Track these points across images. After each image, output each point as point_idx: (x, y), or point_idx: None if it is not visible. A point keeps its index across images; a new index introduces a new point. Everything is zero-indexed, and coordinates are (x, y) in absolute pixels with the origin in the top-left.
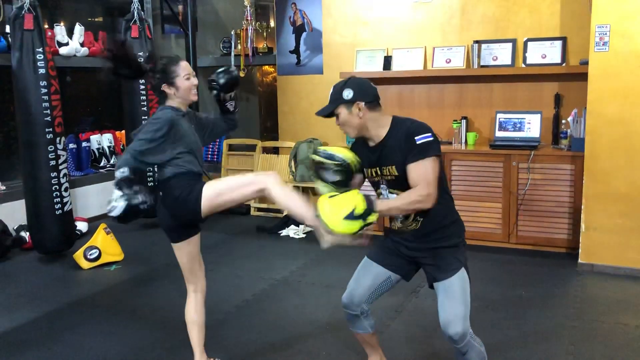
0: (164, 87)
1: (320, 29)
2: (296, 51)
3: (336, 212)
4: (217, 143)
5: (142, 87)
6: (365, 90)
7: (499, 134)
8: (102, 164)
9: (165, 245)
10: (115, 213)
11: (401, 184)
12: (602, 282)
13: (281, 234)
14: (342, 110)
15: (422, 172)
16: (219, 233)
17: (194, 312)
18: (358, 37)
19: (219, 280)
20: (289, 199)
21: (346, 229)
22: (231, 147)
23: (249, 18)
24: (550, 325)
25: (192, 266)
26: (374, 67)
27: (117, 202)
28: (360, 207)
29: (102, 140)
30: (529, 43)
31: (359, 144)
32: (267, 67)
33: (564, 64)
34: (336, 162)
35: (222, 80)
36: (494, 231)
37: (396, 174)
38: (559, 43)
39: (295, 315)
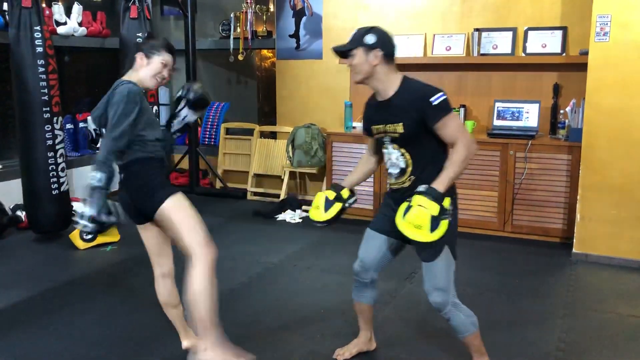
0: (138, 56)
1: (320, 13)
2: (296, 35)
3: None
4: (215, 126)
5: None
6: (388, 42)
7: (497, 122)
8: (99, 145)
9: None
10: (88, 230)
11: (404, 141)
12: (596, 272)
13: (277, 219)
14: (359, 53)
15: (453, 126)
16: (214, 216)
17: (167, 294)
18: (358, 22)
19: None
20: (203, 287)
21: (440, 231)
22: (229, 131)
23: (248, 1)
24: (543, 313)
25: (159, 250)
26: None
27: (85, 221)
28: (436, 211)
29: None
30: (530, 32)
31: (369, 102)
32: (265, 51)
33: (563, 54)
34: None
35: (192, 96)
36: (489, 219)
37: (401, 131)
38: (559, 33)
39: (290, 299)
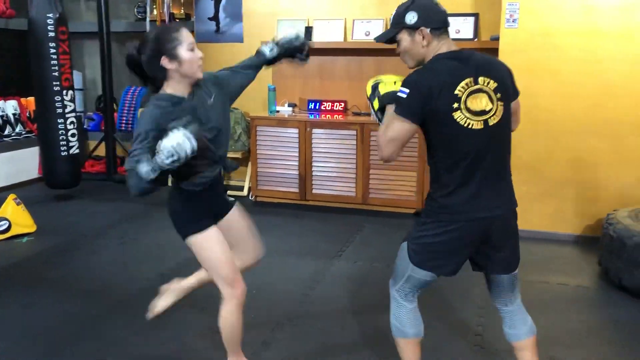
0: (164, 62)
1: None
2: (215, 18)
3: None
4: (132, 111)
5: (52, 50)
6: (432, 14)
7: None
8: (6, 132)
9: (81, 215)
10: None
11: None
12: None
13: None
14: (404, 37)
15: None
16: (137, 204)
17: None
18: (279, 6)
19: (140, 251)
20: (228, 323)
21: (368, 87)
22: None
23: None
24: (461, 286)
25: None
26: None
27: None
28: (385, 89)
29: (5, 107)
30: None
31: None
32: None
33: (476, 39)
34: None
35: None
36: (409, 198)
37: None
38: (471, 19)
39: None
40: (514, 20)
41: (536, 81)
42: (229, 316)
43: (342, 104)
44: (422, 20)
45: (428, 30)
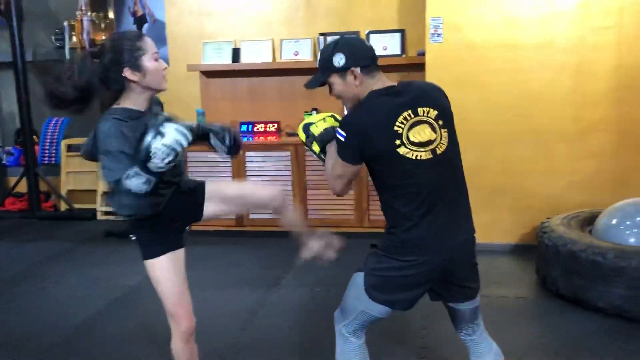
0: (127, 73)
1: (163, 19)
2: None
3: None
4: (55, 143)
5: None
6: (360, 52)
7: None
8: None
9: (7, 256)
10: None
11: None
12: None
13: (132, 238)
14: (336, 80)
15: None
16: (62, 241)
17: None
18: (204, 28)
19: (65, 294)
20: (175, 353)
21: (300, 133)
22: (71, 148)
23: (83, 8)
24: None
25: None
26: (223, 59)
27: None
28: (318, 130)
29: None
30: (371, 35)
31: None
32: None
33: (403, 55)
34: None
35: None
36: (348, 217)
37: None
38: (398, 35)
39: (154, 321)
40: (438, 35)
41: (463, 94)
42: (174, 348)
43: (275, 125)
44: (350, 60)
45: (358, 69)
